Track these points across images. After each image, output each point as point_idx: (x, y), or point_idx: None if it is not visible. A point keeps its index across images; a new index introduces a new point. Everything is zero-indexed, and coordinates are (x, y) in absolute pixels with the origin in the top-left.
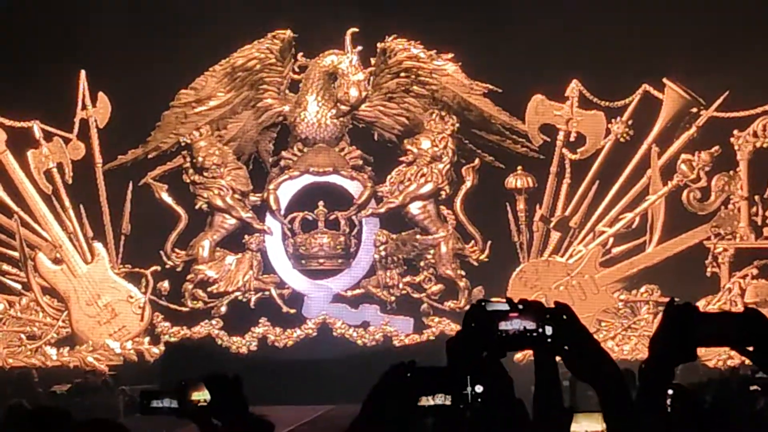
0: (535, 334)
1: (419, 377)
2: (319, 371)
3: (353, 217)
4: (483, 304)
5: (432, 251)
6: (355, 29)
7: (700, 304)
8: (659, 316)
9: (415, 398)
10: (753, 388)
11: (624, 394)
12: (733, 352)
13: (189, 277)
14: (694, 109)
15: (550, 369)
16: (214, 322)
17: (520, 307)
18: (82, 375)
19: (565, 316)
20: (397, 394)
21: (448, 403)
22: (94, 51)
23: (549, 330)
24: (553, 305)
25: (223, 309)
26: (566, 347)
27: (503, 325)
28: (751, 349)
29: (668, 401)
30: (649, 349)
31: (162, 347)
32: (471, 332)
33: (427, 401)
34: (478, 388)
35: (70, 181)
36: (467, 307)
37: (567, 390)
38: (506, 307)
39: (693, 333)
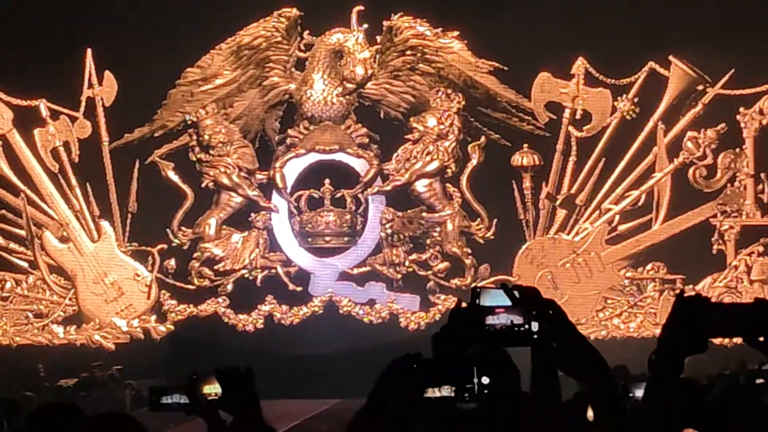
0: (522, 329)
1: (425, 369)
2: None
3: (359, 195)
4: (478, 290)
5: (438, 229)
6: (361, 7)
7: (706, 282)
8: (665, 293)
9: (421, 390)
10: (759, 381)
11: (613, 389)
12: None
13: (195, 255)
14: (700, 87)
15: (546, 361)
16: (220, 300)
17: (516, 293)
18: (89, 369)
19: (551, 312)
20: (403, 386)
21: (453, 395)
22: (100, 29)
23: (535, 326)
24: (535, 289)
25: (230, 287)
26: (553, 343)
27: (490, 320)
28: (762, 339)
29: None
30: (659, 341)
31: (169, 325)
32: (457, 327)
33: (433, 393)
34: (485, 380)
35: (77, 160)
36: (473, 285)
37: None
38: (503, 298)
39: (703, 324)
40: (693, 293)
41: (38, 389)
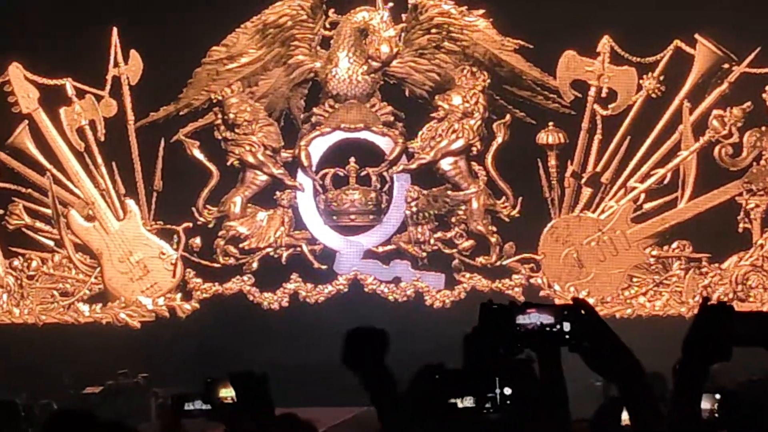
0: (554, 329)
1: (447, 380)
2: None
3: (384, 173)
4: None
5: (463, 207)
6: None
7: (732, 260)
8: (691, 272)
9: (443, 401)
10: None
11: (647, 390)
12: None
13: (221, 233)
14: (726, 65)
15: (554, 368)
16: (245, 278)
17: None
18: (114, 376)
19: (583, 311)
20: (426, 397)
21: (475, 405)
22: (125, 8)
23: (567, 326)
24: (570, 298)
25: (255, 265)
26: (585, 344)
27: (520, 319)
28: None
29: (715, 405)
30: (683, 349)
31: (194, 303)
32: (487, 327)
33: (455, 403)
34: (507, 391)
35: (103, 139)
36: (498, 263)
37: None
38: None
39: (728, 332)
40: (716, 302)
41: (62, 396)
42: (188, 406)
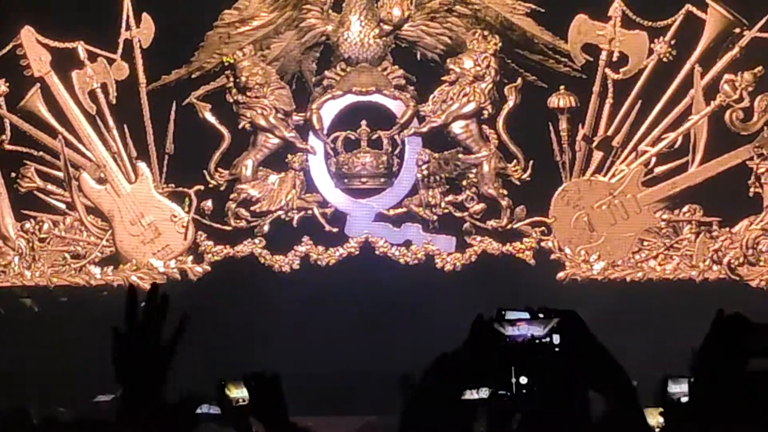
0: (543, 341)
1: (462, 370)
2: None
3: (396, 137)
4: (503, 312)
5: (474, 170)
6: None
7: (743, 225)
8: (701, 236)
9: (458, 392)
10: None
11: (635, 403)
12: None
13: (232, 196)
14: (737, 30)
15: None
16: (257, 240)
17: (540, 315)
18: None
19: (572, 324)
20: (440, 389)
21: (491, 396)
22: None
23: (556, 338)
24: (561, 310)
25: (266, 228)
26: (575, 357)
27: (510, 331)
28: None
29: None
30: (699, 358)
31: (205, 266)
32: (476, 340)
33: (471, 395)
34: (523, 380)
35: (114, 102)
36: (509, 227)
37: None
38: (525, 315)
39: (743, 345)
40: (732, 313)
41: (74, 404)
42: (198, 410)
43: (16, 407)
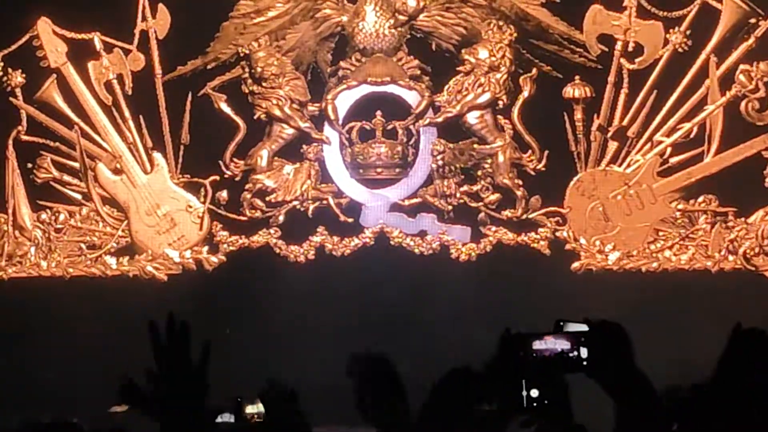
0: (571, 355)
1: (474, 383)
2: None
3: (411, 127)
4: (561, 324)
5: (489, 160)
6: None
7: (758, 215)
8: (717, 226)
9: (470, 404)
10: None
11: (661, 416)
12: None
13: (247, 186)
14: (753, 20)
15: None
16: (272, 231)
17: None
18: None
19: (604, 338)
20: (453, 401)
21: (503, 408)
22: None
23: (584, 352)
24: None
25: (281, 218)
26: (603, 371)
27: (537, 345)
28: None
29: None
30: (718, 370)
31: (221, 256)
32: (504, 354)
33: (482, 407)
34: (534, 393)
35: (130, 92)
36: (524, 217)
37: None
38: (584, 328)
39: (762, 358)
40: (750, 327)
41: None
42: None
43: (65, 420)
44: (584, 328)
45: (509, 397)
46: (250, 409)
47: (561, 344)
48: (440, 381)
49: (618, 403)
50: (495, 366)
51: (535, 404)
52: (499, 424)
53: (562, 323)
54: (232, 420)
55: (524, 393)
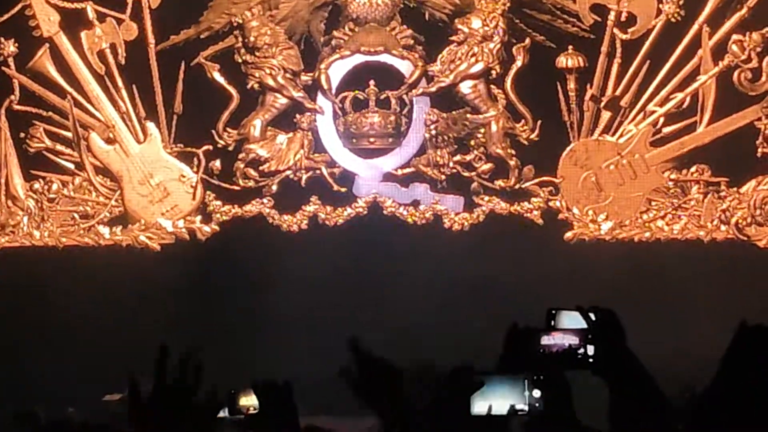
0: (578, 352)
1: (475, 384)
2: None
3: (404, 96)
4: (554, 312)
5: (482, 130)
6: None
7: (750, 185)
8: (709, 196)
9: (471, 405)
10: None
11: (668, 415)
12: None
13: (240, 156)
14: None
15: (561, 384)
16: (265, 200)
17: (592, 317)
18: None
19: (609, 335)
20: (453, 401)
21: (506, 409)
22: None
23: (591, 349)
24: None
25: (274, 188)
26: (610, 369)
27: (545, 340)
28: None
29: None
30: (721, 368)
31: (214, 226)
32: (511, 349)
33: (483, 408)
34: (536, 393)
35: (123, 62)
36: (517, 187)
37: None
38: (578, 320)
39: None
40: (756, 324)
41: (83, 404)
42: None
43: (25, 410)
44: (576, 314)
45: (512, 399)
46: (244, 401)
47: (569, 340)
48: (440, 382)
49: (622, 401)
50: (500, 359)
51: (537, 405)
52: (499, 424)
53: (554, 311)
54: (226, 414)
55: (526, 393)
